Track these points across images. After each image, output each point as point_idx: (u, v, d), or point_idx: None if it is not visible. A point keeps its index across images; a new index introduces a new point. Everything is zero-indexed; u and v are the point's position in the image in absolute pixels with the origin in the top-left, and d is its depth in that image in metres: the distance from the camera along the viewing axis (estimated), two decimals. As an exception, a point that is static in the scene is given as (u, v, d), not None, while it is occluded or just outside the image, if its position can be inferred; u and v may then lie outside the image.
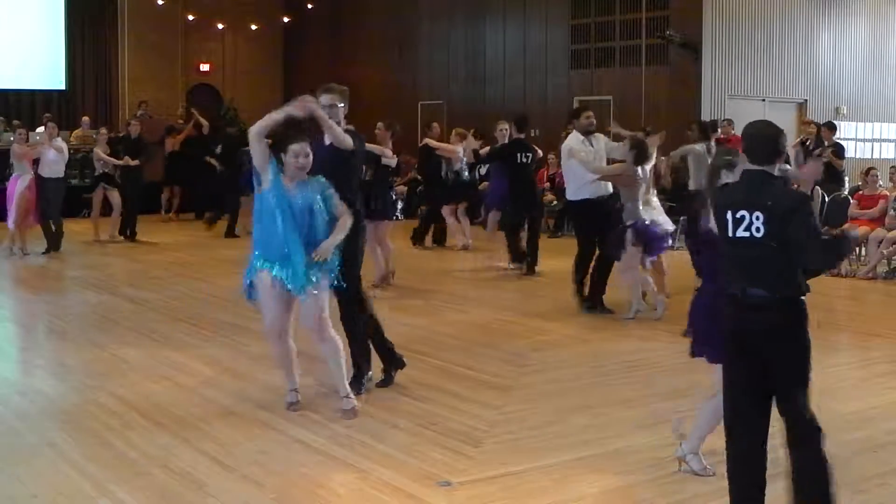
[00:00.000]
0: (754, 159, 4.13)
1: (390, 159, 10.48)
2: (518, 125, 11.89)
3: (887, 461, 5.22)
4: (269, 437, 5.50)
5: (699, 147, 11.19)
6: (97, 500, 4.58)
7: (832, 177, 13.94)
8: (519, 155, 11.67)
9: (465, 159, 13.57)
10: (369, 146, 10.38)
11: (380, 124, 10.90)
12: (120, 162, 14.55)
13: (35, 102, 22.41)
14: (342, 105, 6.34)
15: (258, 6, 24.28)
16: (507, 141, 11.99)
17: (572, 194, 9.54)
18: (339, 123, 6.29)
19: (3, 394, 6.48)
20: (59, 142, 13.75)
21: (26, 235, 13.04)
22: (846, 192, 13.78)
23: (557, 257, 12.94)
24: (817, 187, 13.10)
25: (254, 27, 24.38)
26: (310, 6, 23.33)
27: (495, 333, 8.53)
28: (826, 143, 14.53)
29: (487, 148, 12.89)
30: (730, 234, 4.08)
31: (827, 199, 13.14)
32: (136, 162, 14.77)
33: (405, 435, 5.54)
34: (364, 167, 9.99)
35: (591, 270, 9.39)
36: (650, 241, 8.96)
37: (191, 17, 23.40)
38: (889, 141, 18.53)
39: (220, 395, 6.34)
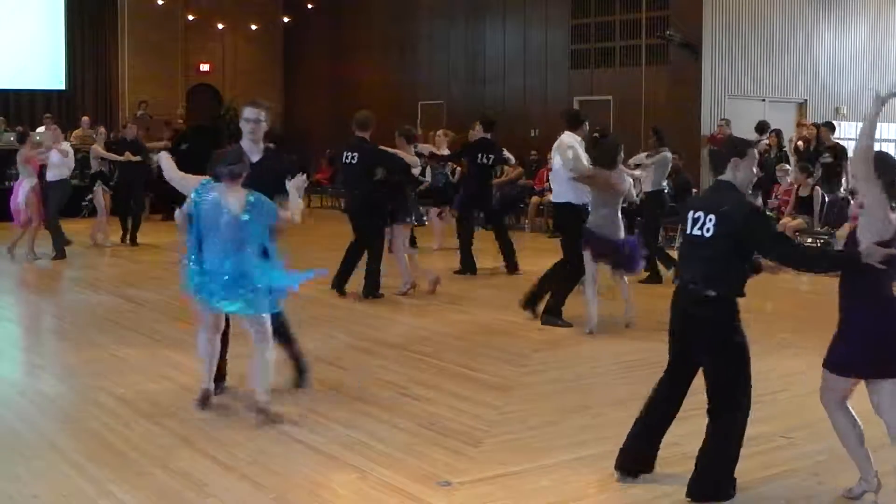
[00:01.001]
0: (716, 171, 4.73)
1: (416, 168, 10.40)
2: (484, 125, 11.89)
3: (887, 461, 5.21)
4: (269, 437, 5.50)
5: (669, 153, 11.31)
6: (97, 501, 4.58)
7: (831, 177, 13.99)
8: (480, 155, 11.68)
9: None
10: (402, 154, 10.27)
11: (397, 134, 10.87)
12: (121, 158, 14.33)
13: (35, 102, 22.43)
14: (264, 122, 6.17)
15: (258, 6, 24.30)
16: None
17: (557, 195, 9.03)
18: (258, 140, 6.15)
19: (4, 394, 6.47)
20: (65, 145, 13.74)
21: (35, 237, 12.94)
22: (843, 193, 13.79)
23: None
24: (817, 187, 13.10)
25: (254, 27, 24.39)
26: (310, 6, 23.34)
27: (495, 333, 8.53)
28: (826, 144, 14.55)
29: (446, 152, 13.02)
30: (687, 231, 4.65)
31: (827, 199, 13.14)
32: (138, 158, 14.54)
33: (405, 435, 5.54)
34: (376, 168, 9.98)
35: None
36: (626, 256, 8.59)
37: (191, 17, 23.42)
38: (889, 141, 18.50)
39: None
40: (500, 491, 4.73)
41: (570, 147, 8.73)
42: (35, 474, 4.83)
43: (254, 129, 6.13)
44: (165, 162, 6.25)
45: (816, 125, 15.46)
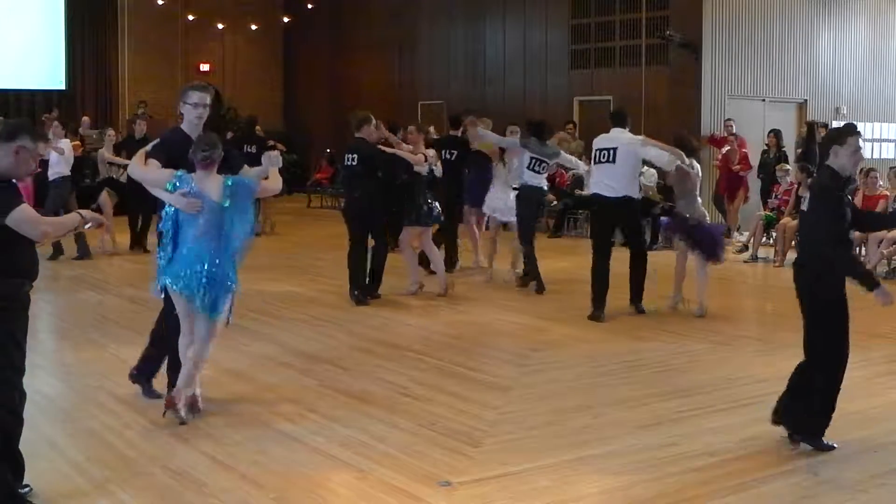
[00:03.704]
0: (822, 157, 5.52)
1: (422, 166, 10.06)
2: (451, 122, 11.81)
3: (887, 461, 5.22)
4: (269, 437, 5.50)
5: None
6: (97, 500, 4.59)
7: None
8: (444, 151, 11.53)
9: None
10: (400, 153, 10.17)
11: (411, 128, 10.76)
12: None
13: (35, 102, 22.41)
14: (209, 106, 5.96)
15: (258, 6, 24.29)
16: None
17: (619, 190, 9.06)
18: (202, 126, 5.93)
19: (3, 394, 6.46)
20: (63, 143, 13.56)
21: None
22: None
23: (558, 257, 12.94)
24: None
25: (254, 27, 24.38)
26: (310, 6, 23.34)
27: (495, 333, 8.53)
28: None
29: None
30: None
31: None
32: None
33: (405, 435, 5.54)
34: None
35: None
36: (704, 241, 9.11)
37: (191, 17, 23.41)
38: (889, 141, 18.52)
39: (220, 395, 6.33)
40: (500, 491, 4.73)
41: (644, 142, 9.20)
42: (35, 474, 4.82)
43: (202, 114, 5.90)
44: (132, 162, 5.97)
45: (810, 125, 15.52)
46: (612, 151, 9.08)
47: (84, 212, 4.65)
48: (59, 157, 13.13)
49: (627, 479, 4.89)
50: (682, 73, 16.26)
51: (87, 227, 4.61)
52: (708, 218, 9.35)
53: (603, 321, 8.89)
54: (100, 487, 4.73)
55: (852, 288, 5.23)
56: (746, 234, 14.22)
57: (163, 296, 5.91)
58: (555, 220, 16.21)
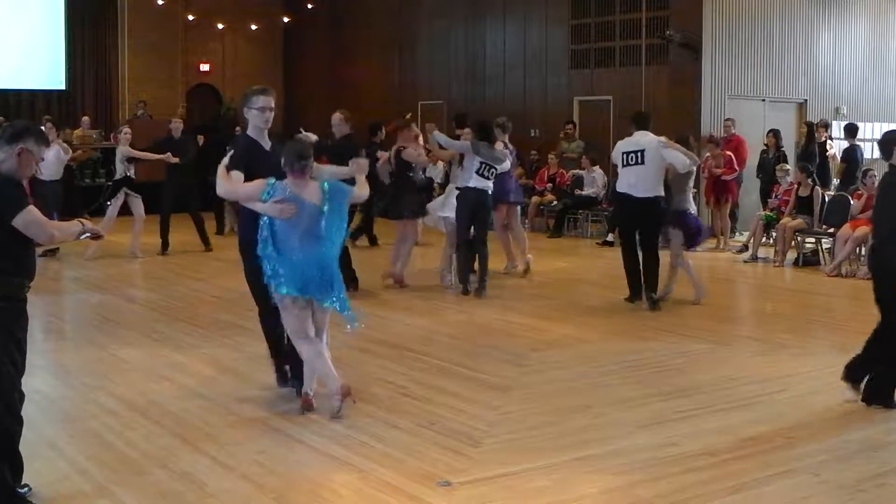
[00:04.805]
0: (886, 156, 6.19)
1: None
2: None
3: (887, 461, 5.23)
4: (269, 437, 5.51)
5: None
6: (97, 500, 4.59)
7: (821, 177, 14.09)
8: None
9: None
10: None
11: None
12: (161, 157, 13.36)
13: (35, 102, 22.43)
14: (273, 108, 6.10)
15: (258, 6, 24.29)
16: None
17: (648, 191, 9.54)
18: (269, 126, 6.07)
19: (3, 394, 6.47)
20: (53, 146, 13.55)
21: None
22: (833, 192, 13.90)
23: (557, 257, 12.95)
24: (817, 187, 13.12)
25: (254, 27, 24.39)
26: (310, 6, 23.34)
27: (495, 333, 8.53)
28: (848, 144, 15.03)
29: None
30: None
31: (827, 199, 13.15)
32: (176, 160, 13.53)
33: (405, 435, 5.54)
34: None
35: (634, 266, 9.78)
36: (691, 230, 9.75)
37: (191, 17, 23.41)
38: (889, 141, 18.49)
39: (220, 395, 6.34)
40: (500, 491, 4.73)
41: (666, 143, 9.59)
42: (35, 474, 4.82)
43: (269, 118, 6.04)
44: (219, 181, 5.92)
45: (809, 124, 15.52)
46: (640, 154, 9.57)
47: (85, 221, 4.66)
48: (57, 157, 13.16)
49: (627, 479, 4.90)
50: (682, 73, 16.25)
51: (82, 237, 4.61)
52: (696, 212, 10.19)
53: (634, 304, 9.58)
54: (100, 487, 4.73)
55: (857, 286, 5.30)
56: (746, 234, 14.21)
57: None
58: (554, 220, 16.22)
